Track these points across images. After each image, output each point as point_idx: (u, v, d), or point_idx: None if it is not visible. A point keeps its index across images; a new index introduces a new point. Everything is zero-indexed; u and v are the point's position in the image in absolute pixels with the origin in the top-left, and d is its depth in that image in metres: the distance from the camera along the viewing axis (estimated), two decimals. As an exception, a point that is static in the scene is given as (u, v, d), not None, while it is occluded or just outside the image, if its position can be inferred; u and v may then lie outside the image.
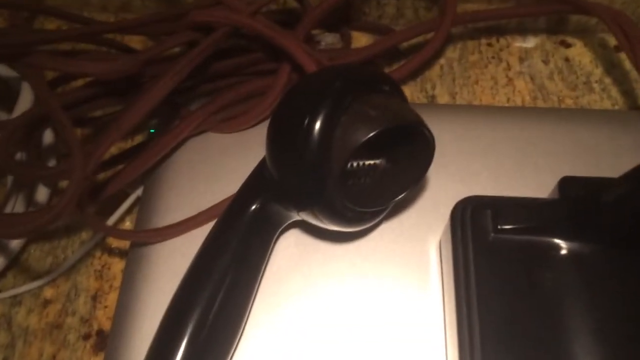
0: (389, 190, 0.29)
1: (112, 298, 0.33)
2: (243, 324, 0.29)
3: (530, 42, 0.43)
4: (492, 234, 0.27)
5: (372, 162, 0.30)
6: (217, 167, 0.34)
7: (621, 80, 0.41)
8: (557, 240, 0.26)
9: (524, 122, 0.36)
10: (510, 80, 0.41)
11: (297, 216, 0.30)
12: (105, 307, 0.33)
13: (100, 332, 0.32)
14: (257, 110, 0.35)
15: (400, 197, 0.29)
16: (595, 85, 0.41)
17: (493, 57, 0.42)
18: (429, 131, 0.27)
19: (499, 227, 0.26)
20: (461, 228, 0.27)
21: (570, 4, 0.38)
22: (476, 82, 0.41)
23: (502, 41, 0.43)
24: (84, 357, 0.32)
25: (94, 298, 0.33)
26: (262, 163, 0.30)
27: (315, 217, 0.28)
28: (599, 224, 0.26)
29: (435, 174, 0.33)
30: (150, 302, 0.31)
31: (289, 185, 0.28)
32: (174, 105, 0.36)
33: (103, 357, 0.31)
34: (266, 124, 0.35)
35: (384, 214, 0.31)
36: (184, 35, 0.33)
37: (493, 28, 0.43)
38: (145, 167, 0.33)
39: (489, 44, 0.43)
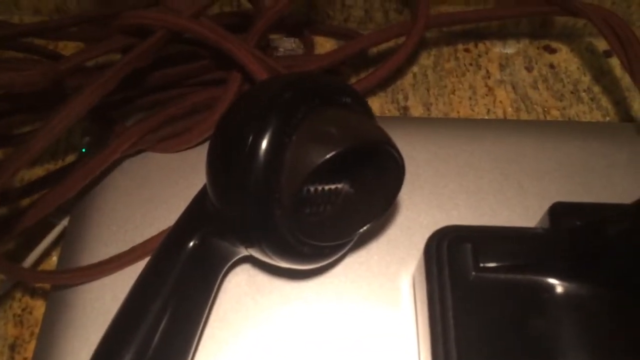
0: (353, 220, 0.25)
1: (32, 348, 0.28)
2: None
3: (512, 48, 0.39)
4: (473, 273, 0.22)
5: (332, 186, 0.26)
6: (155, 193, 0.30)
7: (612, 89, 0.37)
8: (548, 280, 0.22)
9: (506, 136, 0.32)
10: (490, 89, 0.37)
11: (245, 252, 0.25)
12: (25, 358, 0.28)
13: (17, 390, 0.28)
14: (203, 126, 0.30)
15: (364, 228, 0.25)
16: (583, 95, 0.37)
17: (471, 64, 0.38)
18: (398, 152, 0.23)
19: (480, 264, 0.22)
20: (437, 265, 0.23)
21: (556, 4, 0.34)
22: (453, 92, 0.37)
23: (481, 46, 0.39)
24: (-4, 421, 0.27)
25: (12, 348, 0.29)
26: (203, 191, 0.26)
27: (265, 254, 0.24)
28: (598, 260, 0.21)
29: (407, 198, 0.29)
30: (73, 354, 0.26)
31: (232, 216, 0.23)
32: (109, 122, 0.31)
33: (19, 420, 0.27)
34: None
35: (347, 247, 0.26)
36: (116, 41, 0.28)
37: (471, 32, 0.39)
38: (71, 193, 0.28)
39: (467, 50, 0.39)
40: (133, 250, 0.27)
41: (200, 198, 0.25)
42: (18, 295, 0.30)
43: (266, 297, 0.27)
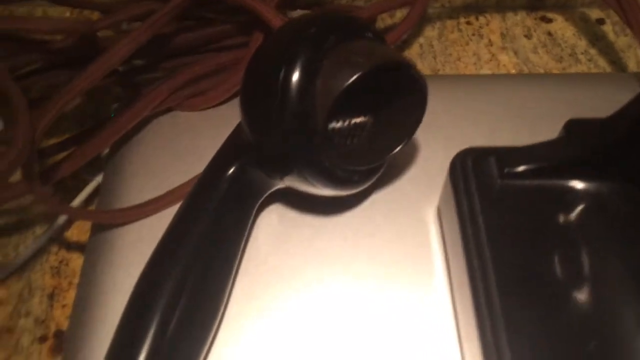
0: (381, 148, 0.27)
1: (71, 296, 0.29)
2: (220, 310, 0.26)
3: (510, 20, 0.41)
4: (499, 181, 0.24)
5: (357, 120, 0.27)
6: (184, 149, 0.31)
7: (607, 51, 0.39)
8: (569, 181, 0.23)
9: (516, 87, 0.34)
10: (493, 55, 0.39)
11: (280, 183, 0.27)
12: (64, 305, 0.29)
13: (58, 334, 0.28)
14: (228, 84, 0.32)
15: (395, 151, 0.26)
16: (581, 57, 0.39)
17: (474, 35, 0.41)
18: (420, 75, 0.25)
19: (505, 171, 0.24)
20: (463, 179, 0.25)
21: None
22: (458, 59, 0.39)
23: (482, 19, 0.41)
24: (39, 362, 0.28)
25: (51, 297, 0.29)
26: (237, 128, 0.27)
27: (303, 178, 0.25)
28: (613, 160, 0.23)
29: (426, 141, 0.31)
30: (113, 295, 0.27)
31: (271, 145, 0.25)
32: (136, 86, 0.33)
33: (61, 361, 0.27)
34: (236, 100, 0.33)
35: (378, 173, 0.28)
36: (141, 6, 0.30)
37: (471, 6, 0.42)
38: (104, 146, 0.30)
39: (468, 22, 0.41)
40: (171, 192, 0.29)
41: (235, 135, 0.27)
42: (54, 249, 0.31)
43: (297, 233, 0.28)
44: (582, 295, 0.22)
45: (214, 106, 0.33)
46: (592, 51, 0.40)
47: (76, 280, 0.30)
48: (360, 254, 0.28)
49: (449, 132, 0.31)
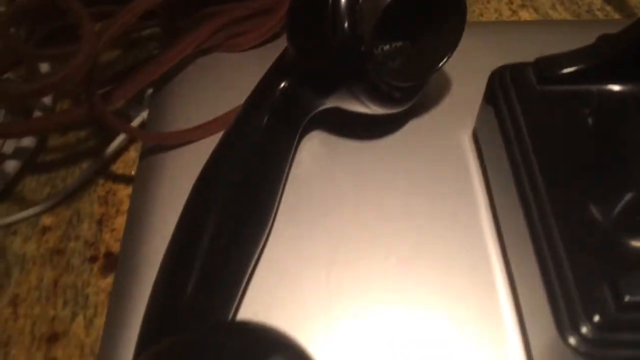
0: (422, 68, 0.28)
1: (119, 221, 0.30)
2: (268, 226, 0.27)
3: (528, -19, 0.43)
4: (538, 87, 0.25)
5: (399, 44, 0.29)
6: (225, 88, 0.32)
7: (622, 8, 0.41)
8: (606, 84, 0.25)
9: (543, 33, 0.35)
10: (514, 12, 0.41)
11: (327, 102, 0.28)
12: (113, 230, 0.30)
13: (108, 254, 0.29)
14: (267, 26, 0.33)
15: (435, 70, 0.28)
16: (598, 13, 0.41)
17: (496, -9, 0.42)
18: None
19: (544, 76, 0.25)
20: (502, 91, 0.26)
21: None
22: (481, 15, 0.41)
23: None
24: (91, 279, 0.28)
25: (99, 222, 0.30)
26: (283, 53, 0.29)
27: (350, 94, 0.26)
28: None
29: (457, 71, 0.32)
30: (164, 214, 0.28)
31: (321, 61, 0.26)
32: (176, 30, 0.34)
33: (113, 279, 0.28)
34: (276, 42, 0.35)
35: (419, 93, 0.29)
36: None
37: (491, -31, 0.44)
38: (150, 78, 0.31)
39: (489, -18, 0.43)
40: (221, 117, 0.30)
41: (282, 57, 0.28)
42: (100, 181, 0.32)
43: (338, 157, 0.29)
44: (629, 195, 0.22)
45: (252, 47, 0.34)
46: (608, 8, 0.41)
47: (123, 208, 0.31)
48: (399, 177, 0.29)
49: (479, 65, 0.32)
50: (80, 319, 0.27)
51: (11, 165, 0.31)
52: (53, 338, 0.27)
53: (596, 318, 0.19)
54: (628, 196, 0.22)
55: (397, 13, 0.26)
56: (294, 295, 0.25)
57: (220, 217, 0.25)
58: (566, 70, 0.25)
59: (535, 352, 0.22)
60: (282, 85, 0.27)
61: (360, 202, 0.28)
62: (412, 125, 0.31)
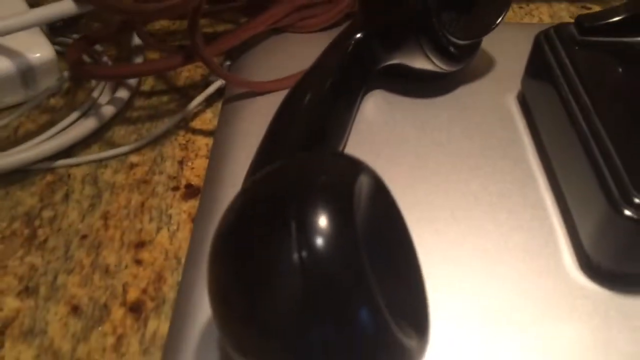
0: (477, 30, 0.32)
1: (198, 162, 0.34)
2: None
3: (556, 6, 0.49)
4: (579, 38, 0.29)
5: (457, 10, 0.33)
6: (296, 62, 0.36)
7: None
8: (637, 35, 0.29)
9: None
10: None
11: (394, 57, 0.32)
12: (192, 168, 0.33)
13: (189, 185, 0.32)
14: (335, 10, 0.38)
15: (488, 32, 0.32)
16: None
17: (526, 14, 0.48)
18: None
19: (585, 28, 0.29)
20: (548, 44, 0.30)
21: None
22: None
23: (532, 5, 0.49)
24: (174, 203, 0.31)
25: (181, 162, 0.34)
26: (354, 20, 0.33)
27: (418, 47, 0.31)
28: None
29: (498, 45, 0.36)
30: (245, 147, 0.31)
31: (395, 17, 0.31)
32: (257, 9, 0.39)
33: (193, 203, 0.31)
34: (339, 28, 0.39)
35: (474, 55, 0.33)
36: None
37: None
38: (235, 41, 0.35)
39: (520, 7, 0.49)
40: (293, 75, 0.34)
41: (354, 22, 0.33)
42: (182, 132, 0.36)
43: (399, 113, 0.33)
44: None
45: (319, 30, 0.39)
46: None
47: (202, 153, 0.34)
48: (450, 142, 0.32)
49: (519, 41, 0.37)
50: (164, 231, 0.30)
51: (107, 110, 0.35)
52: (139, 245, 0.29)
53: (645, 188, 0.22)
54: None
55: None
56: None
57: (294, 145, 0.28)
58: (603, 22, 0.29)
59: (584, 236, 0.24)
60: (358, 36, 0.31)
61: (420, 152, 0.31)
62: (465, 88, 0.35)
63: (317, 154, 0.22)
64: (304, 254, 0.17)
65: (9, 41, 0.35)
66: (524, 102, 0.33)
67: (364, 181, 0.18)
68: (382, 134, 0.32)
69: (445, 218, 0.27)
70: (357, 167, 0.19)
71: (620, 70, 0.28)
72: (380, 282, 0.17)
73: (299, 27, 0.38)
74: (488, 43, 0.36)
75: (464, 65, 0.34)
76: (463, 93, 0.34)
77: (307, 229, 0.17)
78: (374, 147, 0.31)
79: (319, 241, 0.17)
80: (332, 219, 0.17)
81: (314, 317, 0.17)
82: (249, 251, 0.18)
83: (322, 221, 0.17)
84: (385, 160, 0.30)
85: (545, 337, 0.23)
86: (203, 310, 0.24)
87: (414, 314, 0.20)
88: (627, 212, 0.22)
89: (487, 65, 0.36)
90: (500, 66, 0.36)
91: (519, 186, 0.29)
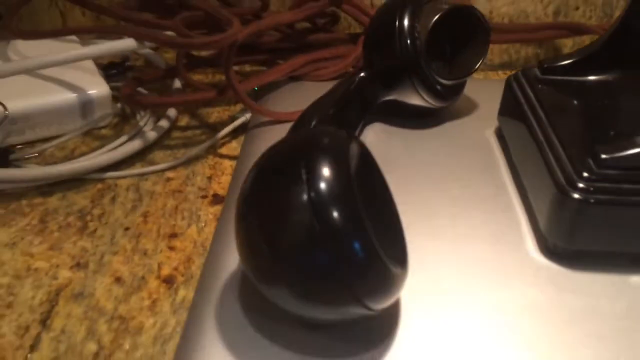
0: (460, 72, 0.39)
1: (224, 179, 0.40)
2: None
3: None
4: (541, 77, 0.36)
5: (443, 55, 0.40)
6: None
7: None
8: (592, 75, 0.35)
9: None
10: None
11: (390, 94, 0.39)
12: (219, 183, 0.39)
13: (215, 195, 0.38)
14: (343, 64, 0.46)
15: (471, 73, 0.39)
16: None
17: (511, 79, 0.55)
18: (484, 18, 0.39)
19: (545, 66, 0.36)
20: (516, 83, 0.37)
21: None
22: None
23: (516, 72, 0.56)
24: (202, 207, 0.37)
25: (209, 178, 0.40)
26: (359, 69, 0.40)
27: (410, 85, 0.38)
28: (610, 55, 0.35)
29: (477, 91, 0.43)
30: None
31: (392, 63, 0.38)
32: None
33: (219, 208, 0.37)
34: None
35: (459, 94, 0.40)
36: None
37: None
38: (261, 82, 0.43)
39: (504, 73, 0.56)
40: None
41: (359, 68, 0.40)
42: (210, 156, 0.42)
43: (393, 142, 0.40)
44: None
45: (329, 79, 0.46)
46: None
47: (227, 172, 0.40)
48: (438, 163, 0.38)
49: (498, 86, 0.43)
50: (193, 227, 0.36)
51: (149, 136, 0.41)
52: (173, 235, 0.35)
53: (585, 174, 0.28)
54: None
55: (441, 33, 0.38)
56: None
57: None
58: (558, 64, 0.36)
59: (541, 221, 0.30)
60: (361, 75, 0.38)
61: (410, 169, 0.37)
62: (452, 123, 0.41)
63: (319, 128, 0.28)
64: (312, 194, 0.22)
65: (74, 79, 0.43)
66: (500, 134, 0.39)
67: (354, 146, 0.24)
68: (379, 159, 0.38)
69: (428, 214, 0.33)
70: (350, 136, 0.25)
71: (572, 98, 0.34)
72: (370, 220, 0.23)
73: (313, 76, 0.46)
74: (474, 87, 0.43)
75: (451, 103, 0.40)
76: (450, 127, 0.41)
77: (314, 176, 0.22)
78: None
79: (324, 185, 0.22)
80: (333, 169, 0.23)
81: (320, 243, 0.22)
82: (268, 195, 0.23)
83: (326, 171, 0.23)
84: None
85: (503, 302, 0.27)
86: (221, 282, 0.29)
87: (396, 248, 0.25)
88: (573, 195, 0.27)
89: (472, 105, 0.43)
90: (483, 106, 0.42)
91: (492, 192, 0.34)
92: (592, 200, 0.27)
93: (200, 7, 0.41)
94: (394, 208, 0.26)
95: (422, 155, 0.38)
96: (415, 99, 0.39)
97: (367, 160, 0.26)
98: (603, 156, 0.27)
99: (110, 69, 0.48)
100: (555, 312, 0.27)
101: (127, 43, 0.37)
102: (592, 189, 0.27)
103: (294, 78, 0.46)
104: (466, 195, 0.34)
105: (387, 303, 0.24)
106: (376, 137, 0.40)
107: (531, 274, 0.29)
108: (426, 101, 0.39)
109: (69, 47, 0.46)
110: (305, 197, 0.22)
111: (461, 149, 0.38)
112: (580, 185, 0.27)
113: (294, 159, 0.23)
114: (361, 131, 0.39)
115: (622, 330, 0.26)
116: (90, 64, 0.46)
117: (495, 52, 0.55)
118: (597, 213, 0.27)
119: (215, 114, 0.47)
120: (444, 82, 0.39)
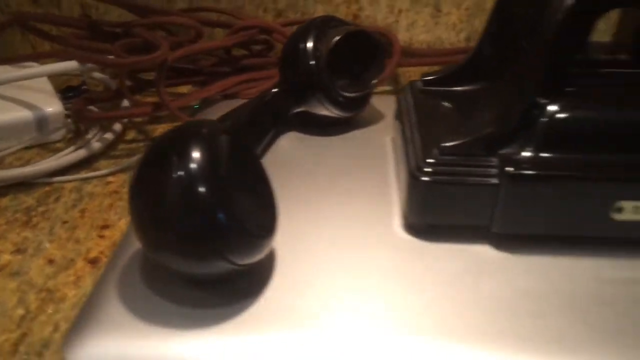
0: (361, 87, 0.45)
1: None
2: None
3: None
4: (422, 87, 0.42)
5: (346, 71, 0.46)
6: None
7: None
8: (458, 85, 0.41)
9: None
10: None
11: (301, 106, 0.45)
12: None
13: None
14: (267, 84, 0.52)
15: (368, 87, 0.45)
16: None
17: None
18: (379, 40, 0.45)
19: (425, 78, 0.42)
20: (403, 94, 0.43)
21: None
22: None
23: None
24: (134, 204, 0.43)
25: (144, 181, 0.46)
26: (275, 85, 0.47)
27: (317, 100, 0.44)
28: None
29: (381, 102, 0.49)
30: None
31: (301, 79, 0.44)
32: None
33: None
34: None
35: (364, 107, 0.46)
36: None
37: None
38: (196, 98, 0.49)
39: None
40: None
41: (275, 84, 0.46)
42: (149, 164, 0.48)
43: (304, 149, 0.45)
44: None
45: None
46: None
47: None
48: (338, 163, 0.43)
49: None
50: (124, 220, 0.41)
51: (95, 146, 0.47)
52: (104, 227, 0.40)
53: (429, 160, 0.33)
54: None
55: (346, 53, 0.44)
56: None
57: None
58: (435, 77, 0.42)
59: (403, 203, 0.35)
60: (274, 90, 0.44)
61: (311, 172, 0.42)
62: (358, 131, 0.47)
63: (192, 121, 0.33)
64: (180, 173, 0.28)
65: (32, 99, 0.49)
66: (395, 140, 0.45)
67: (224, 137, 0.30)
68: (289, 162, 0.44)
69: (317, 201, 0.38)
70: (219, 127, 0.31)
71: (440, 104, 0.40)
72: (236, 193, 0.28)
73: (244, 94, 0.52)
74: (384, 100, 0.49)
75: (357, 113, 0.46)
76: (356, 134, 0.47)
77: (182, 159, 0.28)
78: (281, 170, 0.43)
79: (191, 165, 0.28)
80: (198, 153, 0.28)
81: (189, 213, 0.27)
82: (148, 179, 0.29)
83: (192, 154, 0.28)
84: (289, 177, 0.42)
85: (366, 267, 0.32)
86: (128, 254, 0.34)
87: (265, 217, 0.30)
88: (421, 177, 0.33)
89: (379, 115, 0.49)
90: (388, 115, 0.48)
91: (376, 184, 0.40)
92: (435, 181, 0.33)
93: (140, 35, 0.47)
94: (267, 186, 0.32)
95: (326, 158, 0.44)
96: (322, 110, 0.45)
97: (239, 147, 0.31)
98: (444, 145, 0.33)
99: (67, 91, 0.54)
100: (410, 276, 0.32)
101: (70, 64, 0.44)
102: (435, 172, 0.33)
103: (228, 96, 0.52)
104: (354, 187, 0.40)
105: (251, 260, 0.29)
106: (289, 144, 0.46)
107: (393, 245, 0.34)
108: (332, 112, 0.45)
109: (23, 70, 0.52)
110: (175, 177, 0.28)
111: (361, 152, 0.44)
112: (427, 169, 0.33)
113: (167, 146, 0.29)
114: (276, 138, 0.45)
115: (462, 286, 0.31)
116: (49, 87, 0.52)
117: (417, 73, 0.61)
118: (440, 191, 0.33)
119: (159, 129, 0.53)
120: (347, 95, 0.45)
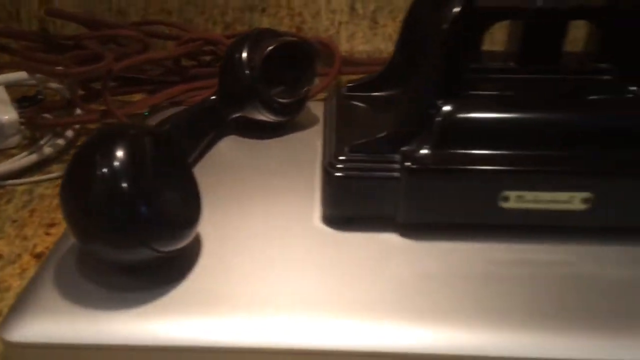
0: (296, 92, 0.49)
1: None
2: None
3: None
4: (346, 93, 0.46)
5: (280, 78, 0.50)
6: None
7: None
8: (376, 90, 0.45)
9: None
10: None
11: (238, 112, 0.49)
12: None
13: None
14: (207, 92, 0.56)
15: (304, 90, 0.49)
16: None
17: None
18: (309, 48, 0.49)
19: (348, 85, 0.46)
20: (330, 99, 0.47)
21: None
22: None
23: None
24: (81, 204, 0.46)
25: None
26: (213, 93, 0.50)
27: (253, 107, 0.47)
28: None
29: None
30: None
31: (238, 88, 0.48)
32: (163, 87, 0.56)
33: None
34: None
35: (300, 111, 0.50)
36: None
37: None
38: (144, 108, 0.52)
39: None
40: (174, 124, 0.50)
41: (213, 92, 0.50)
42: (99, 167, 0.51)
43: (242, 151, 0.49)
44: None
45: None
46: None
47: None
48: (271, 163, 0.47)
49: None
50: (70, 219, 0.44)
51: (47, 151, 0.50)
52: (51, 225, 0.43)
53: (341, 157, 0.37)
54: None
55: (282, 61, 0.48)
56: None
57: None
58: (356, 84, 0.45)
59: (321, 196, 0.39)
60: (212, 97, 0.48)
61: (246, 172, 0.46)
62: (293, 134, 0.50)
63: (117, 124, 0.36)
64: (104, 170, 0.31)
65: (-13, 108, 0.52)
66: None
67: (148, 138, 0.33)
68: (228, 164, 0.47)
69: (248, 197, 0.42)
70: (145, 129, 0.34)
71: (359, 108, 0.44)
72: (159, 188, 0.32)
73: (189, 102, 0.55)
74: (318, 106, 0.53)
75: (291, 118, 0.50)
76: (291, 137, 0.50)
77: (104, 158, 0.31)
78: (217, 170, 0.46)
79: (114, 163, 0.31)
80: (121, 151, 0.31)
81: (113, 205, 0.31)
82: (75, 177, 0.32)
83: (117, 152, 0.31)
84: (224, 177, 0.45)
85: (285, 255, 0.36)
86: (66, 247, 0.37)
87: (187, 208, 0.33)
88: (332, 172, 0.37)
89: (315, 119, 0.52)
90: (322, 121, 0.52)
91: (303, 181, 0.43)
92: (345, 176, 0.36)
93: (88, 47, 0.50)
94: (191, 181, 0.35)
95: (260, 159, 0.47)
96: (259, 116, 0.48)
97: (163, 147, 0.35)
98: (353, 143, 0.37)
99: (23, 100, 0.57)
100: (326, 262, 0.35)
101: (21, 75, 0.47)
102: (346, 167, 0.37)
103: (174, 103, 0.56)
104: (283, 185, 0.43)
105: (173, 247, 0.33)
106: (228, 146, 0.49)
107: (311, 236, 0.38)
108: (268, 117, 0.48)
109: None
110: (98, 172, 0.31)
111: (294, 153, 0.48)
112: (338, 165, 0.37)
113: (91, 147, 0.33)
114: (216, 141, 0.49)
115: (370, 269, 0.35)
116: (5, 96, 0.55)
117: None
118: (350, 185, 0.37)
119: (111, 135, 0.56)
120: (281, 101, 0.48)
